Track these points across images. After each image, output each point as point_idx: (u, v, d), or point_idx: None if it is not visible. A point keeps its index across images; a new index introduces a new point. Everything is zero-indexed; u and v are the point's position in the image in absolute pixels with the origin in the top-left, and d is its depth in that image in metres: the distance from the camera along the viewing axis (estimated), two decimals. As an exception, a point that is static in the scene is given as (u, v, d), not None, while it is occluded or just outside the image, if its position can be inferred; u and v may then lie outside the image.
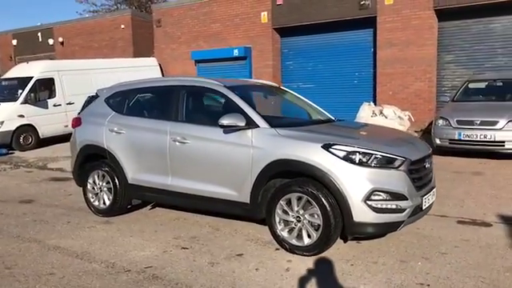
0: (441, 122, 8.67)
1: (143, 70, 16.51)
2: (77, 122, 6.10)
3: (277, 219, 4.38)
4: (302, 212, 4.23)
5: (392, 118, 11.16)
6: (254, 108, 4.74)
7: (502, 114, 8.13)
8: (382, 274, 3.82)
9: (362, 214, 3.95)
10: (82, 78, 14.51)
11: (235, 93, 4.91)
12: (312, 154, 4.14)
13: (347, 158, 4.02)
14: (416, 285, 3.60)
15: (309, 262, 4.09)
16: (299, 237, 4.27)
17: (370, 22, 13.87)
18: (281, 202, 4.33)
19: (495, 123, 8.03)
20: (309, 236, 4.21)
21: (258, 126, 4.54)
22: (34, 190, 7.68)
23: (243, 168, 4.53)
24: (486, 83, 9.79)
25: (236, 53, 16.13)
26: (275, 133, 4.46)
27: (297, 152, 4.22)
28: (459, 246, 4.40)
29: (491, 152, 8.12)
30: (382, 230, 4.12)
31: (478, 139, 8.03)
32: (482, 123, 8.13)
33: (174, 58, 18.16)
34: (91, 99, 6.02)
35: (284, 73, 16.13)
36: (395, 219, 4.02)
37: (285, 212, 4.34)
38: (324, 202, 4.05)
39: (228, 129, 4.62)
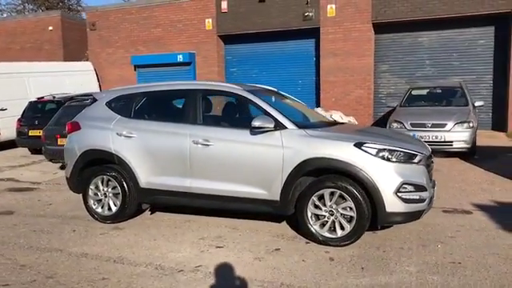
0: (395, 124, 9.57)
1: (79, 75, 15.87)
2: (74, 127, 5.87)
3: (309, 214, 4.69)
4: (334, 206, 4.59)
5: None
6: (278, 110, 5.01)
7: (449, 117, 9.24)
8: (415, 256, 4.31)
9: (393, 204, 4.41)
10: (15, 81, 13.53)
11: (258, 96, 5.15)
12: (346, 152, 4.53)
13: (378, 155, 4.48)
14: (449, 263, 4.13)
15: (346, 252, 4.45)
16: (332, 229, 4.63)
17: (313, 33, 14.75)
18: (313, 197, 4.65)
19: (444, 125, 9.10)
20: (342, 228, 4.59)
21: (286, 128, 4.83)
22: (2, 201, 7.13)
23: (274, 167, 4.78)
24: (428, 90, 10.98)
25: (180, 58, 16.12)
26: (305, 133, 4.78)
27: (330, 151, 4.58)
28: (460, 231, 5.06)
29: (442, 151, 9.16)
30: (409, 219, 4.62)
31: (431, 140, 9.01)
32: (433, 125, 9.16)
33: (111, 63, 17.59)
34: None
35: (228, 79, 16.43)
36: (419, 208, 4.55)
37: (316, 207, 4.67)
38: (358, 195, 4.46)
39: (255, 130, 4.85)
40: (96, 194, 5.68)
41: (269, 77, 15.86)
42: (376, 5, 13.67)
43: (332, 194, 4.60)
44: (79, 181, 5.81)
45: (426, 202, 4.59)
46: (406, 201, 4.45)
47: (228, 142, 5.03)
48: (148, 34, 16.92)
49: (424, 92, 11.04)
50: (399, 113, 10.08)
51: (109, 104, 5.82)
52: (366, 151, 4.50)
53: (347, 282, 3.79)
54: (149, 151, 5.36)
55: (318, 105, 14.68)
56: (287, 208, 4.82)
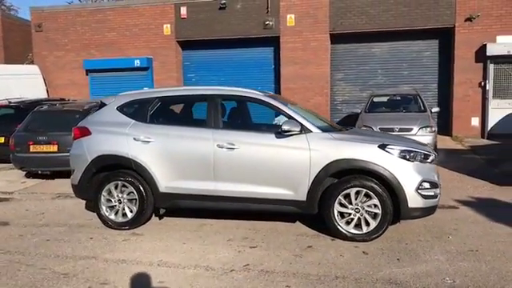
0: (365, 129, 10.23)
1: (25, 78, 15.04)
2: (83, 132, 5.71)
3: (335, 212, 5.00)
4: (360, 204, 4.94)
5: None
6: (300, 115, 5.28)
7: (414, 122, 10.06)
8: (436, 247, 4.77)
9: (415, 201, 4.86)
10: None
11: (279, 102, 5.39)
12: (371, 153, 4.91)
13: (401, 156, 4.91)
14: (469, 251, 4.63)
15: (374, 246, 4.81)
16: (358, 226, 4.97)
17: (272, 41, 15.20)
18: (339, 197, 4.97)
19: (411, 129, 9.88)
20: (367, 224, 4.94)
21: (311, 131, 5.12)
22: (-15, 212, 6.69)
23: (301, 169, 5.04)
24: (388, 97, 11.82)
25: (138, 63, 15.82)
26: (330, 137, 5.10)
27: (357, 153, 4.94)
28: (458, 224, 5.62)
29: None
30: (426, 214, 5.07)
31: (399, 143, 9.75)
32: (401, 130, 9.90)
33: (60, 67, 16.81)
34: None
35: (186, 85, 16.36)
36: (433, 204, 5.03)
37: (342, 205, 5.00)
38: (383, 193, 4.85)
39: (284, 134, 5.08)
40: (109, 201, 5.58)
41: (228, 83, 15.96)
42: (333, 16, 14.42)
43: (357, 192, 4.95)
44: (88, 187, 5.66)
45: (438, 198, 5.09)
46: (424, 197, 4.91)
47: (254, 146, 5.21)
48: (101, 38, 16.39)
49: (385, 99, 11.87)
50: (366, 118, 10.76)
51: (121, 109, 5.75)
52: (389, 152, 4.91)
53: (393, 271, 4.14)
54: (169, 156, 5.38)
55: (278, 111, 15.10)
56: (313, 208, 5.09)
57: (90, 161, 5.59)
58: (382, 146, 4.95)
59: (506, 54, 13.11)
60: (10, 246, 5.06)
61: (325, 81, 14.74)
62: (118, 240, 5.17)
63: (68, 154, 5.95)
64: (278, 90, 15.33)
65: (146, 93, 5.94)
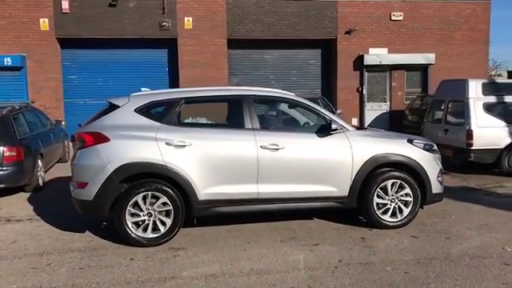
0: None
1: None
2: (98, 139, 4.88)
3: (374, 204, 5.39)
4: (395, 194, 5.44)
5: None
6: (334, 115, 5.53)
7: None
8: (456, 226, 5.56)
9: (436, 187, 5.57)
10: None
11: (312, 103, 5.53)
12: (403, 148, 5.46)
13: (425, 148, 5.58)
14: (483, 225, 5.52)
15: (411, 231, 5.34)
16: (393, 214, 5.46)
17: (168, 43, 14.74)
18: (378, 189, 5.39)
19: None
20: (400, 212, 5.47)
21: (348, 129, 5.41)
22: None
23: (344, 166, 5.29)
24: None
25: (8, 62, 13.52)
26: (364, 134, 5.50)
27: (392, 148, 5.43)
28: (448, 207, 6.34)
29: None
30: (441, 198, 5.78)
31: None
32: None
33: None
34: None
35: (66, 87, 14.65)
36: (443, 190, 5.83)
37: (379, 197, 5.42)
38: (414, 182, 5.44)
39: (324, 133, 5.27)
40: (135, 215, 4.90)
41: (117, 86, 14.82)
42: (231, 22, 14.74)
43: (392, 184, 5.43)
44: (106, 202, 4.87)
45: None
46: (440, 183, 5.67)
47: (298, 145, 5.25)
48: (-45, 30, 13.48)
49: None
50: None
51: (140, 111, 5.10)
52: (416, 146, 5.54)
53: (456, 248, 4.74)
54: (209, 160, 5.02)
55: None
56: (354, 202, 5.40)
57: (111, 171, 4.81)
58: (410, 141, 5.55)
59: (378, 63, 15.37)
60: (42, 280, 4.04)
61: (225, 84, 14.92)
62: (167, 257, 4.61)
63: None
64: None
65: (168, 93, 5.39)
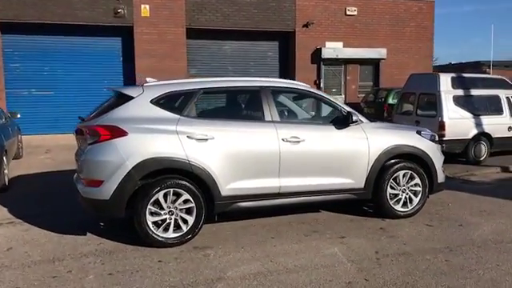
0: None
1: None
2: (114, 132, 4.46)
3: (388, 195, 5.48)
4: (406, 185, 5.56)
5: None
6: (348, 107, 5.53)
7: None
8: (460, 213, 5.81)
9: (440, 176, 5.78)
10: None
11: (328, 95, 5.48)
12: (413, 139, 5.59)
13: (431, 139, 5.75)
14: (482, 212, 5.83)
15: (422, 219, 5.51)
16: (404, 204, 5.58)
17: (123, 31, 13.98)
18: (391, 180, 5.48)
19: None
20: (410, 201, 5.61)
21: (363, 121, 5.44)
22: None
23: (361, 157, 5.31)
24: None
25: None
26: (377, 126, 5.54)
27: (404, 139, 5.53)
28: (442, 195, 6.67)
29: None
30: (443, 188, 6.01)
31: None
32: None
33: None
34: None
35: (8, 77, 13.41)
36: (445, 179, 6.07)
37: (391, 187, 5.52)
38: (423, 172, 5.61)
39: (341, 125, 5.25)
40: (155, 214, 4.57)
41: (66, 75, 13.96)
42: (189, 11, 14.28)
43: (404, 175, 5.55)
44: (124, 200, 4.49)
45: (444, 174, 6.17)
46: (443, 172, 5.90)
47: (318, 137, 5.18)
48: None
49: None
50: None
51: (157, 102, 4.74)
52: (424, 137, 5.70)
53: (475, 234, 4.93)
54: (232, 154, 4.79)
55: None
56: (369, 193, 5.44)
57: (130, 167, 4.43)
58: (419, 132, 5.70)
59: (335, 57, 15.72)
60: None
61: (184, 75, 14.45)
62: (197, 257, 4.33)
63: None
64: (132, 84, 14.18)
65: (183, 84, 5.04)
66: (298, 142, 5.04)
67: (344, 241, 4.76)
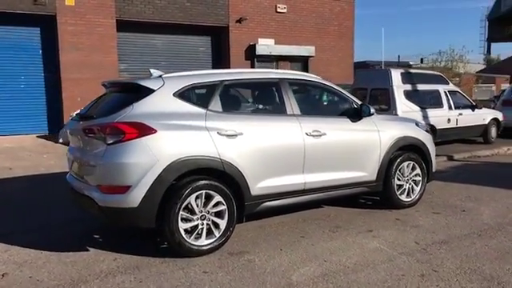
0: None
1: None
2: (142, 130, 3.87)
3: (395, 186, 5.58)
4: (410, 175, 5.71)
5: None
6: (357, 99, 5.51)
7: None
8: (451, 200, 6.12)
9: (434, 166, 6.05)
10: None
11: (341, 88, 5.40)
12: (415, 130, 5.76)
13: (427, 130, 5.99)
14: (467, 198, 6.22)
15: (426, 207, 5.70)
16: (408, 194, 5.73)
17: (43, 21, 12.58)
18: (398, 171, 5.59)
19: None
20: (413, 191, 5.77)
21: (373, 114, 5.45)
22: None
23: (374, 150, 5.32)
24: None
25: None
26: (384, 118, 5.61)
27: (408, 131, 5.67)
28: (431, 186, 6.86)
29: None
30: (434, 177, 6.26)
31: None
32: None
33: None
34: None
35: None
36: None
37: (398, 179, 5.62)
38: (422, 163, 5.81)
39: (355, 118, 5.23)
40: (187, 220, 4.09)
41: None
42: (119, 2, 13.26)
43: (407, 165, 5.69)
44: (155, 207, 3.94)
45: (431, 163, 6.45)
46: (434, 161, 6.19)
47: (337, 131, 5.08)
48: None
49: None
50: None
51: (180, 95, 4.23)
52: (421, 128, 5.90)
53: (484, 218, 5.22)
54: (261, 150, 4.47)
55: (60, 105, 12.68)
56: (380, 186, 5.48)
57: (162, 169, 3.89)
58: (417, 124, 5.88)
59: (268, 54, 15.78)
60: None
61: (114, 71, 13.41)
62: (242, 264, 3.94)
63: None
64: (56, 80, 12.78)
65: (203, 75, 4.53)
66: (320, 135, 4.88)
67: (376, 234, 4.71)
